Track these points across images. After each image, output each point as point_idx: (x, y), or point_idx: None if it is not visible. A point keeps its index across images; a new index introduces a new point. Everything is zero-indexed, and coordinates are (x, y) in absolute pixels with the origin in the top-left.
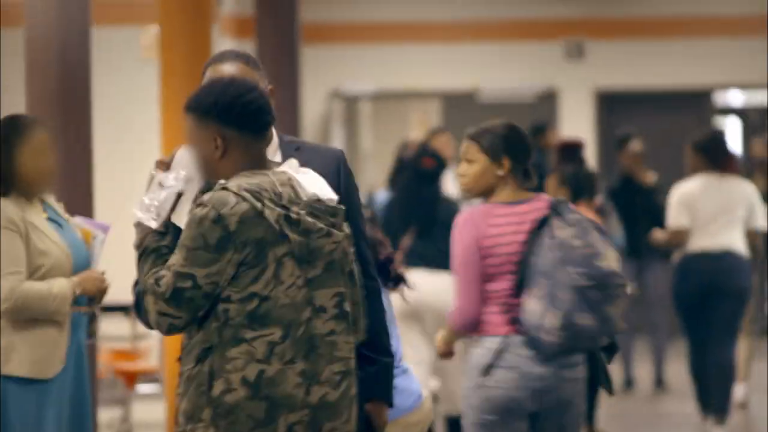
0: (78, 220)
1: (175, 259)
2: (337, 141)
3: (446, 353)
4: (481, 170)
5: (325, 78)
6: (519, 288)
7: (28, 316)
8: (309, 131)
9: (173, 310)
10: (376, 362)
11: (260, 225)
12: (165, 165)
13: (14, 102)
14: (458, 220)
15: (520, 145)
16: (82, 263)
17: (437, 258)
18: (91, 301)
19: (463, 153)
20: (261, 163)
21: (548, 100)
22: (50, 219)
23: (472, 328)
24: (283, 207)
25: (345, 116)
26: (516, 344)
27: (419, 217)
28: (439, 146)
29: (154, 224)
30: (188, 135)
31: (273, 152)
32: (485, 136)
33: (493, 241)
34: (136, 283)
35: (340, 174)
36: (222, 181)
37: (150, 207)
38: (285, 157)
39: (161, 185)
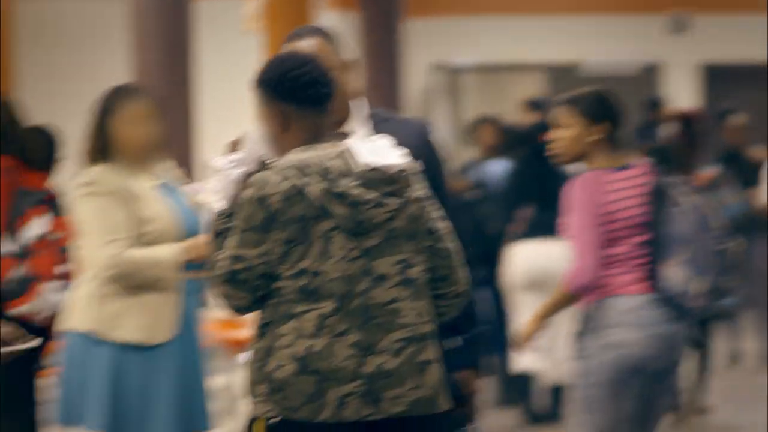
0: (190, 188)
1: (230, 241)
2: (440, 113)
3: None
4: (578, 135)
5: (428, 50)
6: (653, 251)
7: (134, 283)
8: (411, 104)
9: (233, 291)
10: (463, 331)
11: (302, 202)
12: (234, 145)
13: (118, 74)
14: (572, 186)
15: (614, 111)
16: (192, 230)
17: (558, 228)
18: (201, 268)
19: (560, 118)
20: (323, 136)
21: (651, 73)
22: (160, 186)
23: (589, 289)
24: (329, 181)
25: (447, 89)
26: (646, 304)
27: (539, 188)
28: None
29: (219, 206)
30: (257, 112)
31: (361, 124)
32: (581, 101)
33: (613, 207)
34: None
35: (425, 145)
36: (272, 159)
37: (215, 190)
38: (371, 129)
39: (220, 168)
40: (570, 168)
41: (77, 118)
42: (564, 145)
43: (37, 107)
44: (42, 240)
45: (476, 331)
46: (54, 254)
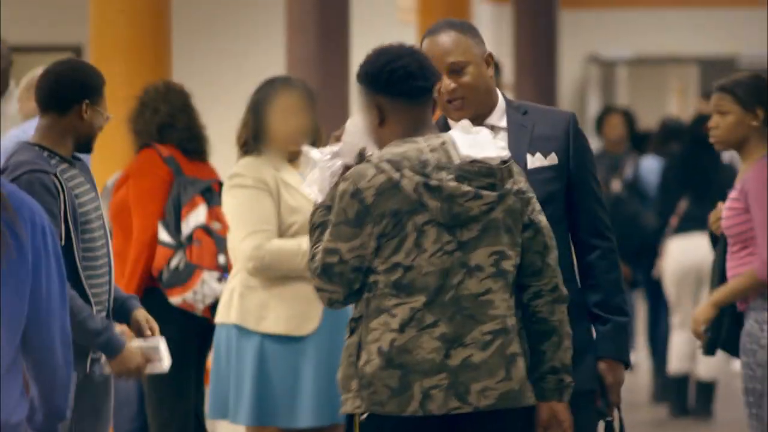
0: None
1: (325, 234)
2: (593, 106)
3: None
4: (735, 121)
5: (583, 42)
6: None
7: (278, 274)
8: (565, 95)
9: (327, 284)
10: (607, 321)
11: (396, 196)
12: (337, 137)
13: (274, 64)
14: (760, 170)
15: None
16: None
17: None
18: None
19: (715, 105)
20: (421, 129)
21: None
22: None
23: None
24: (424, 175)
25: (601, 81)
26: None
27: (696, 181)
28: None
29: (319, 198)
30: (359, 105)
31: (499, 117)
32: (738, 86)
33: None
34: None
35: (569, 136)
36: (369, 152)
37: (314, 181)
38: (511, 121)
39: (318, 160)
40: (727, 159)
41: (231, 109)
42: (722, 133)
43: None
44: (204, 229)
45: (622, 322)
46: (215, 244)
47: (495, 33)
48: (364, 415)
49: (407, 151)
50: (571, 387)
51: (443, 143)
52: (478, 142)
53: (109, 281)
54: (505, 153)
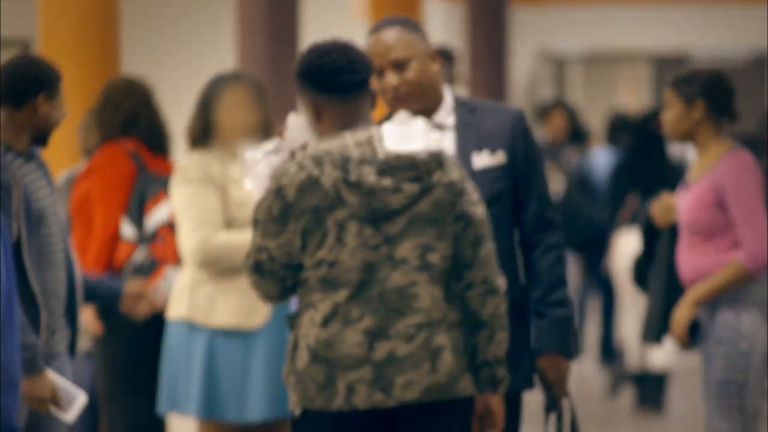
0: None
1: (256, 232)
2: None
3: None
4: (678, 115)
5: (534, 38)
6: None
7: (226, 267)
8: (517, 92)
9: (260, 281)
10: (545, 315)
11: (316, 192)
12: (279, 133)
13: (224, 61)
14: (736, 163)
15: (711, 90)
16: None
17: None
18: None
19: (664, 100)
20: (356, 123)
21: (759, 65)
22: None
23: (764, 268)
24: (344, 170)
25: (553, 77)
26: None
27: (646, 176)
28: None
29: (256, 195)
30: (299, 102)
31: (446, 115)
32: (681, 81)
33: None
34: None
35: (515, 134)
36: (296, 149)
37: (254, 178)
38: (459, 119)
39: (253, 157)
40: (678, 154)
41: (181, 104)
42: (667, 127)
43: None
44: (168, 226)
45: (562, 315)
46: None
47: (447, 30)
48: (298, 411)
49: (331, 147)
50: (507, 380)
51: (370, 138)
52: (406, 135)
53: (70, 275)
54: (435, 145)
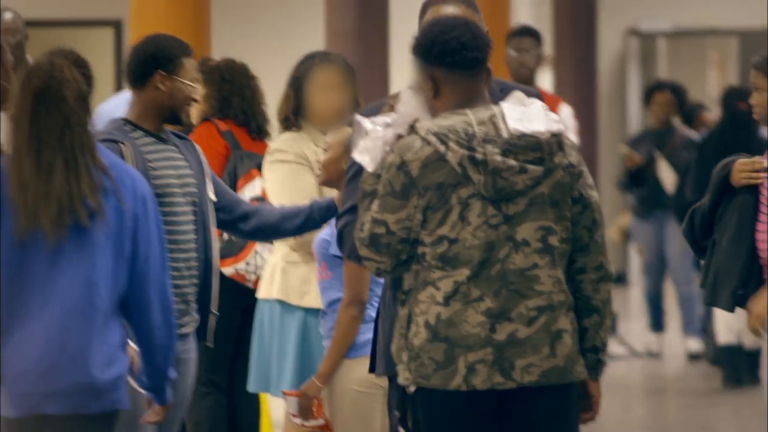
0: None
1: (374, 204)
2: (633, 79)
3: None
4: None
5: (622, 16)
6: None
7: None
8: (605, 69)
9: (374, 254)
10: None
11: (442, 168)
12: (391, 106)
13: (313, 40)
14: None
15: None
16: None
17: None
18: None
19: (752, 83)
20: (474, 101)
21: None
22: None
23: None
24: (470, 148)
25: (641, 54)
26: None
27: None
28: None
29: (371, 167)
30: (414, 76)
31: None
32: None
33: None
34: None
35: None
36: (418, 124)
37: (366, 150)
38: (491, 96)
39: (370, 129)
40: (764, 135)
41: (271, 84)
42: (759, 110)
43: None
44: (259, 201)
45: None
46: None
47: (535, 8)
48: (412, 388)
49: (455, 123)
50: (605, 366)
51: (492, 116)
52: (528, 115)
53: (207, 260)
54: (556, 126)
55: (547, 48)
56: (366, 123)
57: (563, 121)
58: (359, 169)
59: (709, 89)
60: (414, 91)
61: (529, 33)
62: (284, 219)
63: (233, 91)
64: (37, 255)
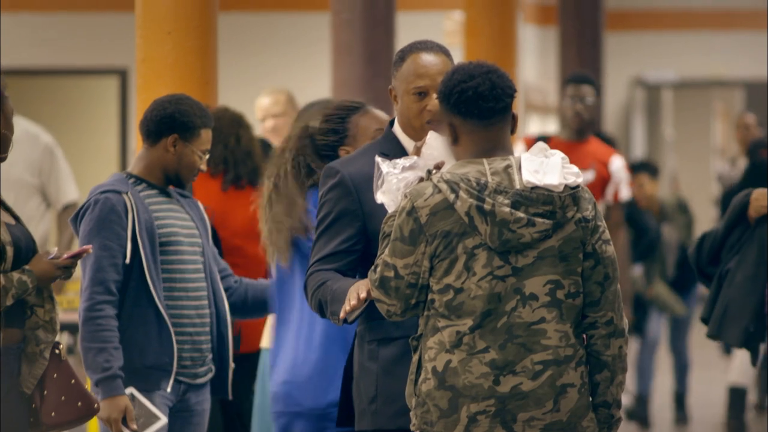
0: None
1: (386, 248)
2: (638, 129)
3: None
4: None
5: (627, 66)
6: None
7: None
8: (610, 119)
9: (384, 297)
10: None
11: (449, 217)
12: (417, 149)
13: (320, 86)
14: None
15: None
16: None
17: None
18: None
19: None
20: (494, 150)
21: None
22: None
23: None
24: (479, 198)
25: (646, 104)
26: None
27: None
28: None
29: (390, 209)
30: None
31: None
32: None
33: None
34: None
35: None
36: (434, 171)
37: (387, 192)
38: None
39: (384, 173)
40: None
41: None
42: None
43: None
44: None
45: None
46: None
47: (540, 55)
48: None
49: (469, 172)
50: (620, 422)
51: (508, 166)
52: (545, 167)
53: (219, 312)
54: (572, 179)
55: (552, 98)
56: (383, 165)
57: (616, 173)
58: (333, 221)
59: (713, 140)
60: (440, 135)
61: (586, 80)
62: (254, 304)
63: (217, 139)
64: None
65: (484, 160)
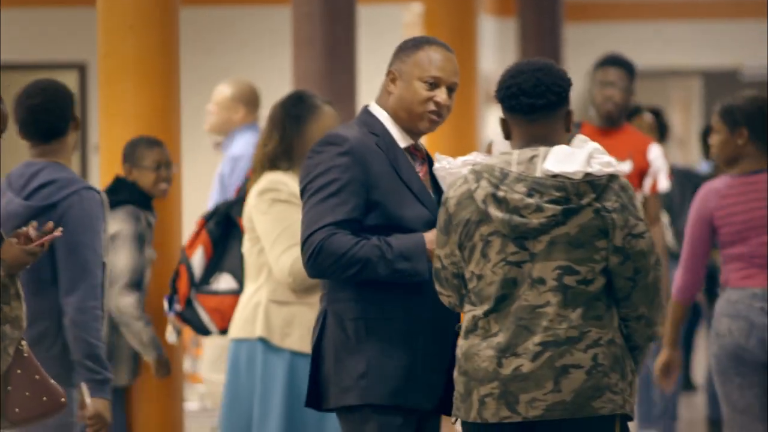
0: None
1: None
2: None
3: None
4: (723, 140)
5: (586, 56)
6: None
7: (314, 290)
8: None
9: (441, 288)
10: None
11: (470, 206)
12: (489, 146)
13: (280, 79)
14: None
15: (754, 116)
16: None
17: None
18: None
19: (712, 125)
20: (542, 145)
21: None
22: None
23: (690, 300)
24: (496, 186)
25: None
26: (754, 296)
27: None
28: None
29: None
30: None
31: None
32: (727, 108)
33: (725, 212)
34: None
35: None
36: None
37: (450, 186)
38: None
39: (449, 167)
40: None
41: None
42: (714, 151)
43: (195, 112)
44: None
45: None
46: None
47: (500, 47)
48: (456, 421)
49: (496, 162)
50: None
51: (534, 156)
52: (570, 157)
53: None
54: (597, 168)
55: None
56: (440, 161)
57: (654, 162)
58: (342, 187)
59: (672, 129)
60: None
61: (614, 63)
62: None
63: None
64: None
65: (515, 151)
